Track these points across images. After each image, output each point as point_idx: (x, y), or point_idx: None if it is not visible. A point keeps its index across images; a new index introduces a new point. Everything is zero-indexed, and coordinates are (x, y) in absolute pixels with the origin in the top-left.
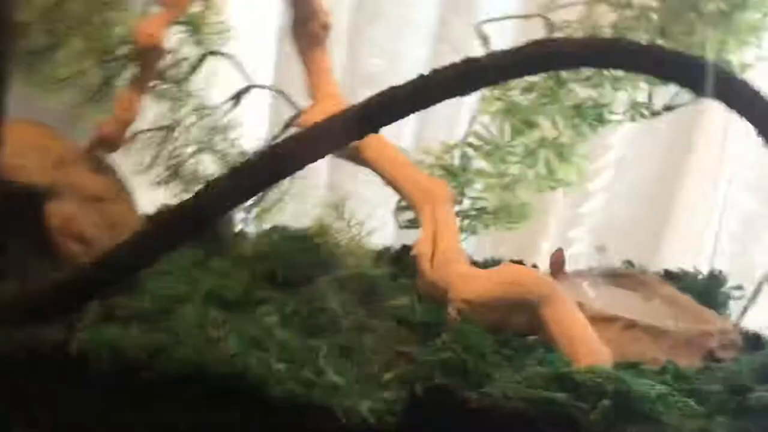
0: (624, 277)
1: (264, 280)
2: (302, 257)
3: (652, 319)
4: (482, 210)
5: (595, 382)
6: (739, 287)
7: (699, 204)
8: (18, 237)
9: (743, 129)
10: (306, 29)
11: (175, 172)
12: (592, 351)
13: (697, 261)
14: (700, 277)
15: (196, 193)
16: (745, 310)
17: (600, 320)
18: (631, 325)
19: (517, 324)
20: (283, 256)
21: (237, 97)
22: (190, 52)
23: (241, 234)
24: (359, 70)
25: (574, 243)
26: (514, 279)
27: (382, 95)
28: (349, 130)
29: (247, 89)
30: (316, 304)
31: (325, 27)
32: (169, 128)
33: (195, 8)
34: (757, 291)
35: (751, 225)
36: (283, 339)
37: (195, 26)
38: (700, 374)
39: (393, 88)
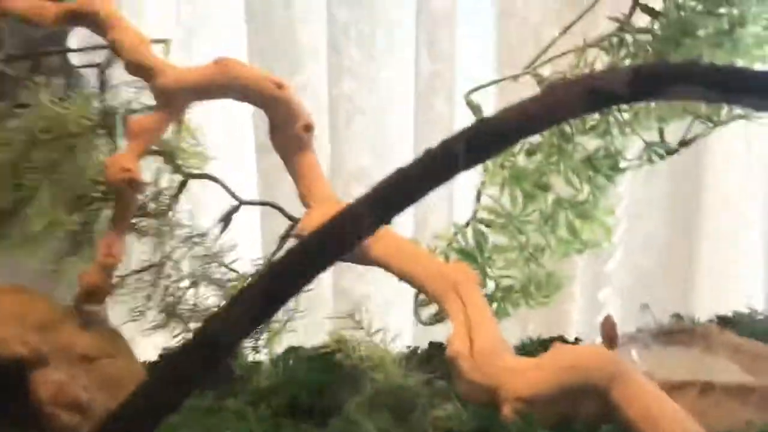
0: (677, 332)
1: (287, 413)
2: (324, 379)
3: (724, 375)
4: (509, 289)
5: None
6: None
7: (718, 240)
8: (2, 418)
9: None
10: (288, 134)
11: (172, 312)
12: (684, 430)
13: (730, 300)
14: (759, 317)
15: (206, 325)
16: None
17: (670, 389)
18: (708, 387)
19: (585, 414)
20: (302, 382)
21: (227, 218)
22: (169, 180)
23: (253, 364)
24: (346, 169)
25: (605, 305)
26: (573, 362)
27: (397, 175)
28: (365, 221)
29: (237, 207)
30: None
31: (309, 128)
32: (159, 265)
33: (168, 134)
34: None
35: None
36: None
37: (170, 153)
38: None
39: (413, 165)
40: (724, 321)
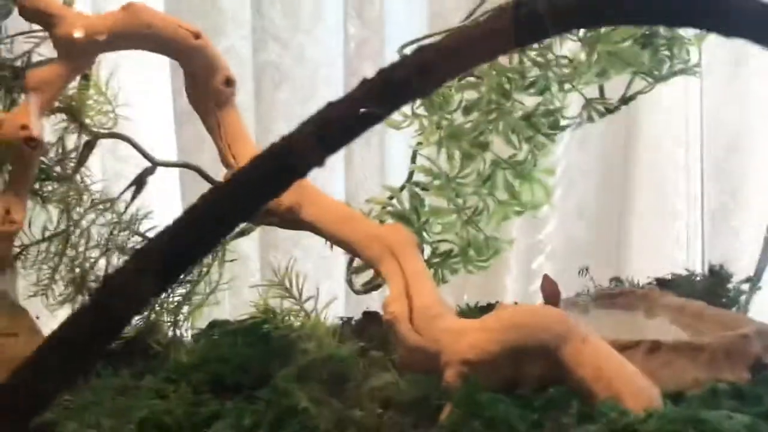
0: (618, 296)
1: (210, 390)
2: (251, 353)
3: (669, 335)
4: (447, 254)
5: None
6: (749, 279)
7: (648, 209)
8: None
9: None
10: (206, 88)
11: (81, 285)
12: (638, 389)
13: (659, 268)
14: (698, 278)
15: (104, 283)
16: (747, 302)
17: (618, 349)
18: (655, 347)
19: (531, 376)
20: (227, 357)
21: (140, 181)
22: (76, 141)
23: (173, 340)
24: (272, 138)
25: (539, 274)
26: (520, 322)
27: (338, 104)
28: (312, 149)
29: (151, 170)
30: (279, 406)
31: (230, 82)
32: (66, 234)
33: (72, 90)
34: (756, 280)
35: (714, 218)
36: None
37: (75, 110)
38: (763, 388)
39: (360, 89)
40: (663, 283)
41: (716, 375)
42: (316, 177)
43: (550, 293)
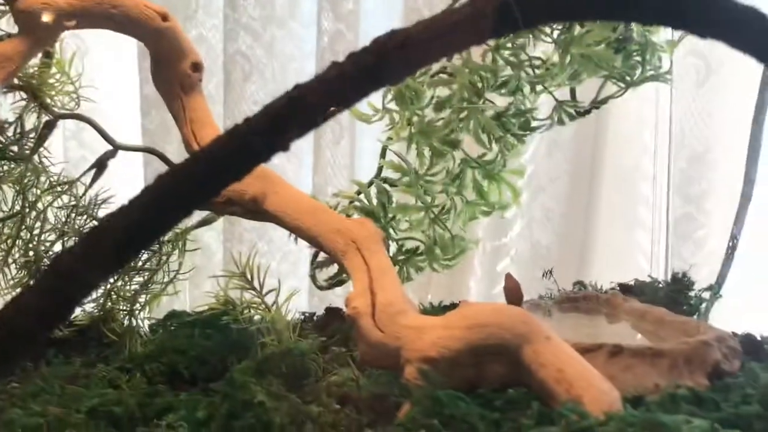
0: (581, 300)
1: (165, 381)
2: (209, 344)
3: (631, 340)
4: (413, 251)
5: None
6: (710, 288)
7: (612, 216)
8: None
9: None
10: (173, 72)
11: (35, 270)
12: (599, 393)
13: (622, 274)
14: (660, 285)
15: (53, 262)
16: (707, 311)
17: (579, 352)
18: (616, 351)
19: (492, 377)
20: (185, 347)
21: (101, 164)
22: (35, 120)
23: (128, 329)
24: None
25: (504, 276)
26: (482, 321)
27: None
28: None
29: (112, 153)
30: (235, 399)
31: (198, 67)
32: (20, 216)
33: (34, 68)
34: (717, 288)
35: (678, 227)
36: None
37: (36, 89)
38: (721, 394)
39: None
40: (626, 289)
41: (676, 380)
42: (284, 171)
43: (513, 293)
